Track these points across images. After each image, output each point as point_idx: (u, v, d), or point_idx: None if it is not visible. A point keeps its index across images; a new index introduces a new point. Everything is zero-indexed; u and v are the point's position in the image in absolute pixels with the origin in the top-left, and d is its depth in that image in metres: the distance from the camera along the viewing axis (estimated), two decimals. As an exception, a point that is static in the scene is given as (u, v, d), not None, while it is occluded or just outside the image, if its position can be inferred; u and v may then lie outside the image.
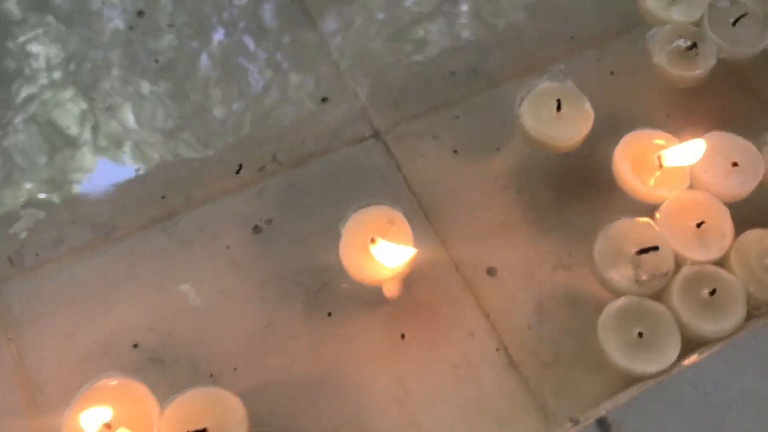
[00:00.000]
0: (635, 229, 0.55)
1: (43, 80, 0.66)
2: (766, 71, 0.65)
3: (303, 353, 0.56)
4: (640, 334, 0.51)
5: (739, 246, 0.55)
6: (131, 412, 0.48)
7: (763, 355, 0.51)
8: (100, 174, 0.63)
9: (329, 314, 0.57)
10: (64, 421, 0.47)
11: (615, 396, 0.50)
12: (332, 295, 0.58)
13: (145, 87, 0.67)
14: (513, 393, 0.55)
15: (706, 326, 0.52)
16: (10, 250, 0.60)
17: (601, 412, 0.49)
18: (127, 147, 0.65)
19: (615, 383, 0.52)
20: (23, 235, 0.60)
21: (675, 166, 0.56)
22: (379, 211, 0.54)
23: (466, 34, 0.70)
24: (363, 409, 0.54)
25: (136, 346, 0.56)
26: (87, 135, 0.65)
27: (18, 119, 0.64)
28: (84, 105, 0.66)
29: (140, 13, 0.69)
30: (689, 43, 0.61)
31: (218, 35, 0.69)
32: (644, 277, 0.53)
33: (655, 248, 0.53)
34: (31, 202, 0.61)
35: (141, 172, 0.63)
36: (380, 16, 0.70)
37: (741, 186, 0.57)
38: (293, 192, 0.62)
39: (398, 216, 0.54)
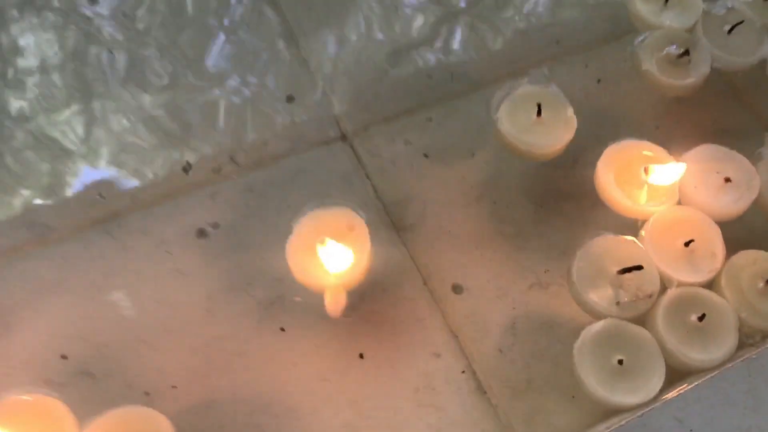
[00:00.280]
0: (618, 247, 0.51)
1: None
2: (762, 83, 0.61)
3: (250, 372, 0.51)
4: (620, 362, 0.47)
5: (730, 268, 0.51)
6: (45, 432, 0.43)
7: (756, 389, 0.47)
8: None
9: (282, 329, 0.53)
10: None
11: (591, 429, 0.47)
12: (286, 308, 0.53)
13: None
14: (479, 421, 0.50)
15: (694, 355, 0.48)
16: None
17: (575, 446, 0.45)
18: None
19: (591, 415, 0.49)
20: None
21: (656, 183, 0.53)
22: (340, 214, 0.50)
23: (445, 33, 0.66)
24: (313, 436, 0.50)
25: (64, 357, 0.50)
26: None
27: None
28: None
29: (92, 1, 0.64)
30: (681, 50, 0.58)
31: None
32: (626, 299, 0.49)
33: (639, 267, 0.49)
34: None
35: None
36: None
37: (734, 203, 0.53)
38: (250, 196, 0.57)
39: (359, 222, 0.50)
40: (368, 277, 0.53)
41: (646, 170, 0.52)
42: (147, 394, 0.50)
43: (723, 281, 0.50)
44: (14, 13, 0.63)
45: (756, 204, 0.54)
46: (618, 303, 0.49)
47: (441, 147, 0.60)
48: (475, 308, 0.54)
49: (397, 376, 0.52)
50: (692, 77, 0.58)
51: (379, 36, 0.65)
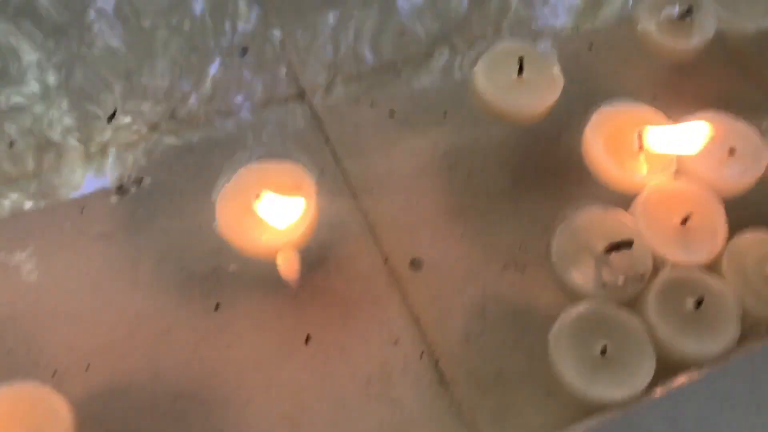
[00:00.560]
0: (604, 221, 0.46)
1: None
2: (771, 50, 0.56)
3: (177, 353, 0.45)
4: (604, 351, 0.41)
5: (733, 249, 0.46)
6: None
7: (759, 387, 0.41)
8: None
9: (217, 306, 0.46)
10: None
11: (568, 428, 0.41)
12: (224, 283, 0.47)
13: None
14: (440, 418, 0.44)
15: (689, 345, 0.42)
16: None
17: (549, 447, 0.39)
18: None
19: (569, 411, 0.43)
20: None
21: (661, 152, 0.47)
22: (284, 169, 0.43)
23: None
24: (245, 428, 0.43)
25: (-40, 329, 0.44)
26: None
27: None
28: None
29: None
30: (684, 9, 0.53)
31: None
32: (613, 280, 0.43)
33: (629, 243, 0.43)
34: None
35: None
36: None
37: (739, 177, 0.48)
38: (190, 156, 0.51)
39: (308, 183, 0.44)
40: (320, 250, 0.47)
41: (640, 136, 0.46)
42: (55, 372, 0.43)
43: (724, 264, 0.45)
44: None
45: (764, 179, 0.48)
46: (604, 284, 0.44)
47: (410, 109, 0.54)
48: (441, 289, 0.48)
49: (347, 363, 0.45)
50: (695, 40, 0.53)
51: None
